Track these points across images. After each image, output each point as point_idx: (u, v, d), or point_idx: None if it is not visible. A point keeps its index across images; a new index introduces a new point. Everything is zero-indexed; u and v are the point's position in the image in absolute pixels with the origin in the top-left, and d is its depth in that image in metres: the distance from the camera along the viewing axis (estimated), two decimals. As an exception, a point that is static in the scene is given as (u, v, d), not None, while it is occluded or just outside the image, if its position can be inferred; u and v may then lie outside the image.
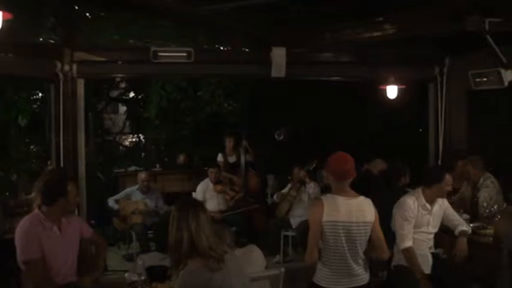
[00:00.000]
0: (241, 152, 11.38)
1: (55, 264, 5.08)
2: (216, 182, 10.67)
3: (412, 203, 6.06)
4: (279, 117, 13.17)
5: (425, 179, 6.26)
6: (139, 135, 16.99)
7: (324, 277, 4.90)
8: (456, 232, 6.27)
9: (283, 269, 5.42)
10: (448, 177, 6.09)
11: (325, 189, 8.01)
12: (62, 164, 8.67)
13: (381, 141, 12.20)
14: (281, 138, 12.04)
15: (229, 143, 11.68)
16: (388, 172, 8.23)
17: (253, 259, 5.37)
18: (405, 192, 6.80)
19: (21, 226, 5.04)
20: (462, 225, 6.35)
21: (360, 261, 4.92)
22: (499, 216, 6.81)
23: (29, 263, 4.92)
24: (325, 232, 4.79)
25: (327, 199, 4.89)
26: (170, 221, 3.84)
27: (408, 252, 5.97)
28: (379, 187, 7.75)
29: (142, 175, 10.49)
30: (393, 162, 8.28)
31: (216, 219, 9.71)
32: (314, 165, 10.00)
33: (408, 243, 5.96)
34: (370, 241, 4.95)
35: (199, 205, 4.02)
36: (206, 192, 10.56)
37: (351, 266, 4.85)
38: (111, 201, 10.20)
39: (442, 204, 6.30)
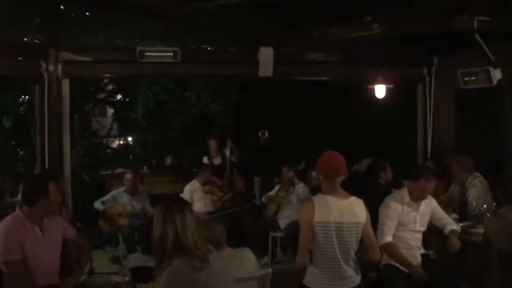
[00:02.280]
0: (225, 152, 11.31)
1: (37, 265, 4.97)
2: (204, 183, 10.57)
3: (396, 202, 6.03)
4: (267, 117, 13.09)
5: (408, 176, 6.25)
6: (127, 137, 16.89)
7: (315, 279, 4.81)
8: (446, 231, 6.22)
9: (270, 270, 5.34)
10: (424, 183, 6.00)
11: (314, 191, 7.97)
12: (47, 166, 8.55)
13: (371, 141, 12.14)
14: (266, 136, 11.94)
15: (212, 145, 11.61)
16: (369, 169, 8.26)
17: (244, 261, 5.28)
18: (389, 189, 6.80)
19: (2, 227, 4.93)
20: (451, 224, 6.30)
21: (351, 262, 4.84)
22: (489, 216, 6.76)
23: (9, 264, 4.81)
24: (316, 233, 4.71)
25: (317, 199, 4.81)
26: (155, 219, 3.75)
27: (388, 247, 5.91)
28: (362, 185, 7.72)
29: (127, 175, 10.42)
30: (374, 159, 8.32)
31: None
32: (303, 165, 9.92)
33: (387, 239, 5.90)
34: (362, 242, 4.87)
35: (185, 203, 3.94)
36: (193, 194, 10.43)
37: (342, 267, 4.77)
38: (97, 204, 10.09)
39: (430, 203, 6.26)
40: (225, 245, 5.23)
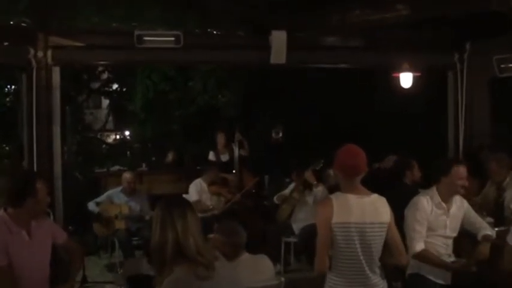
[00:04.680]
0: (234, 147, 11.28)
1: (24, 272, 4.96)
2: (211, 182, 10.56)
3: (425, 202, 5.93)
4: (279, 109, 13.08)
5: (433, 173, 6.16)
6: (124, 131, 16.97)
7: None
8: (479, 237, 6.14)
9: (283, 279, 5.32)
10: (457, 169, 5.91)
11: (332, 191, 7.92)
12: (35, 163, 8.56)
13: (395, 136, 12.10)
14: (279, 136, 11.89)
15: (220, 139, 11.60)
16: (394, 167, 8.20)
17: (260, 268, 5.29)
18: (415, 190, 6.73)
19: (-16, 230, 4.93)
20: (486, 229, 6.20)
21: (376, 269, 4.75)
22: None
23: (-8, 271, 4.81)
24: (335, 236, 4.62)
25: (336, 198, 4.71)
26: (153, 221, 3.73)
27: (421, 256, 5.84)
28: (386, 185, 7.65)
29: (127, 175, 10.35)
30: (400, 156, 8.26)
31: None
32: (321, 165, 9.82)
33: (419, 246, 5.81)
34: (387, 245, 4.80)
35: (187, 204, 3.91)
36: (199, 194, 10.42)
37: (367, 274, 4.67)
38: (91, 205, 10.06)
39: (461, 205, 6.16)
40: (242, 249, 5.24)
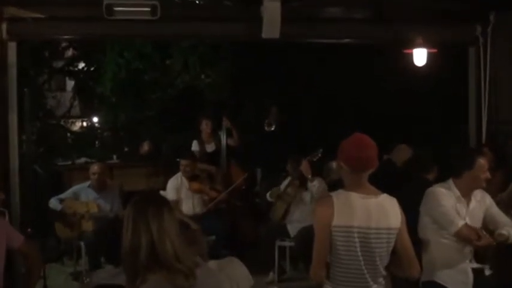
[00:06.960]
0: (221, 135, 11.25)
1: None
2: (192, 178, 10.51)
3: (444, 191, 5.94)
4: (271, 91, 13.07)
5: (453, 167, 6.13)
6: (92, 118, 16.94)
7: (334, 300, 4.76)
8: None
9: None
10: (481, 162, 5.94)
11: (333, 187, 7.92)
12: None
13: (407, 122, 12.12)
14: (272, 128, 11.87)
15: (206, 126, 11.53)
16: (411, 164, 8.17)
17: (232, 276, 5.27)
18: None
19: None
20: (509, 227, 6.19)
21: (381, 279, 4.75)
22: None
23: None
24: (335, 240, 4.61)
25: (338, 197, 4.68)
26: (125, 222, 3.70)
27: (462, 232, 5.79)
28: (404, 183, 7.64)
29: (94, 167, 10.37)
30: (419, 152, 8.24)
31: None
32: (319, 155, 9.81)
33: (460, 222, 5.80)
34: (395, 254, 4.78)
35: (164, 202, 3.88)
36: (179, 191, 10.39)
37: (369, 285, 4.68)
38: (54, 202, 10.04)
39: (482, 201, 6.15)
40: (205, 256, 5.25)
